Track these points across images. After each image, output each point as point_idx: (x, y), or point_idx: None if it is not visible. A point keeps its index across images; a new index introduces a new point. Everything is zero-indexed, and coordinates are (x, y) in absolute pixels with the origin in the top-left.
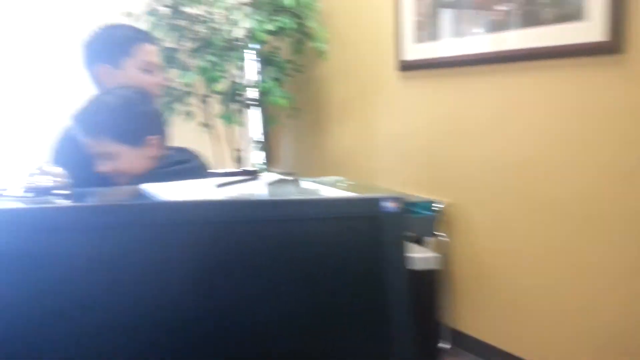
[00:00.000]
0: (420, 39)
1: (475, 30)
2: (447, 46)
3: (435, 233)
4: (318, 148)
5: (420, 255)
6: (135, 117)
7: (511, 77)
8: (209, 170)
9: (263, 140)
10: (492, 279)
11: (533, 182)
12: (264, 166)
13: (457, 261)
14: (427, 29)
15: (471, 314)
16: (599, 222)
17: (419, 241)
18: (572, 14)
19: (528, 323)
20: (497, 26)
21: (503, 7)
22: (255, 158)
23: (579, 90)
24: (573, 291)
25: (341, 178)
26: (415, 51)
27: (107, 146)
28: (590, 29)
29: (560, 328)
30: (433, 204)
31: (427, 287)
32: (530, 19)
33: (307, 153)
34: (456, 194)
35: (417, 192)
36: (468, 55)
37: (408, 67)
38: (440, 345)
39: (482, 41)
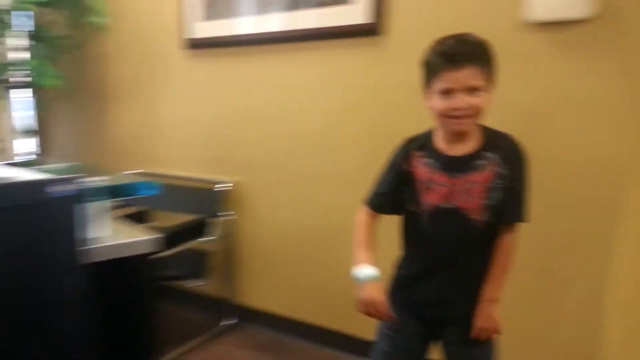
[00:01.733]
0: (209, 16)
1: (258, 10)
2: (236, 25)
3: (223, 213)
4: (98, 133)
5: (132, 240)
6: None
7: (292, 57)
8: None
9: (34, 126)
10: (276, 252)
11: (314, 157)
12: (35, 156)
13: (244, 238)
14: (217, 6)
15: (257, 287)
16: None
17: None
18: None
19: (309, 289)
20: (275, 7)
21: None
22: (23, 147)
23: (348, 70)
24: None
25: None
26: (204, 29)
27: None
28: (355, 12)
29: (339, 292)
30: (218, 185)
31: (144, 273)
32: (304, 1)
33: (87, 139)
34: (245, 173)
35: (207, 175)
36: (254, 35)
37: (196, 45)
38: (225, 322)
39: (266, 21)
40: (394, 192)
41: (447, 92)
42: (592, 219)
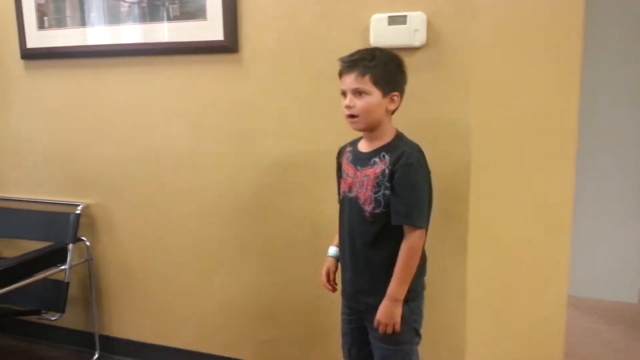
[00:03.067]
0: (45, 24)
1: (106, 19)
2: (76, 35)
3: (78, 238)
4: None
5: None
6: None
7: (147, 71)
8: None
9: None
10: (140, 278)
11: (174, 175)
12: None
13: (104, 264)
14: (53, 14)
15: (122, 316)
16: (233, 211)
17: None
18: (196, 13)
19: (179, 313)
20: (128, 18)
21: (133, 0)
22: None
23: (206, 86)
24: (210, 279)
25: None
26: (40, 38)
27: None
28: (211, 28)
29: (210, 315)
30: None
31: None
32: (159, 14)
33: None
34: (101, 194)
35: (57, 197)
36: (105, 46)
37: (32, 55)
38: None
39: (118, 33)
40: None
41: (343, 94)
42: (448, 230)
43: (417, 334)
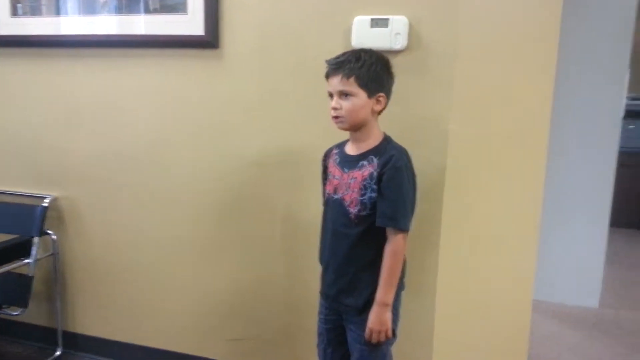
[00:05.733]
0: (18, 12)
1: (82, 9)
2: (50, 24)
3: (44, 231)
4: None
5: None
6: None
7: (122, 63)
8: None
9: None
10: (108, 273)
11: (147, 170)
12: None
13: (70, 259)
14: (28, 2)
15: (88, 312)
16: (206, 208)
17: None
18: (177, 7)
19: (146, 310)
20: (105, 9)
21: None
22: None
23: (185, 81)
24: (181, 276)
25: None
26: (13, 25)
27: None
28: (192, 23)
29: (179, 312)
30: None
31: None
32: (137, 6)
33: None
34: (69, 187)
35: (24, 188)
36: (79, 36)
37: (3, 43)
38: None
39: (94, 23)
40: None
41: (330, 96)
42: (421, 231)
43: (394, 334)
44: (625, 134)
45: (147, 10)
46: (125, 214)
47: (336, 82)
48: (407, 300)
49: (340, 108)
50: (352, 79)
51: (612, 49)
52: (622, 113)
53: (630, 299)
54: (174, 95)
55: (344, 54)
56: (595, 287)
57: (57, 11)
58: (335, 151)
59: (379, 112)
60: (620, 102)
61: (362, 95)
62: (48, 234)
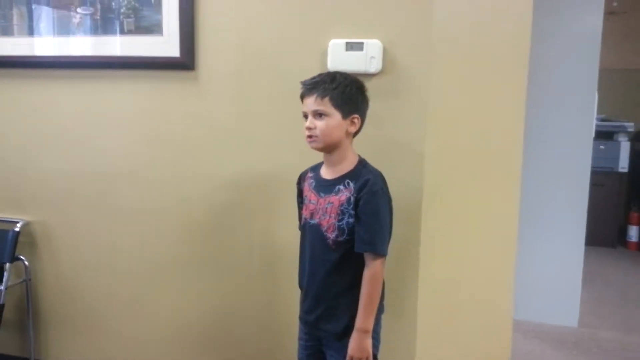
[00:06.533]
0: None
1: (56, 30)
2: (22, 44)
3: (17, 256)
4: None
5: None
6: None
7: (96, 84)
8: None
9: None
10: (85, 300)
11: (124, 192)
12: None
13: (43, 285)
14: (6, 21)
15: (59, 340)
16: (182, 231)
17: None
18: (152, 28)
19: (126, 336)
20: (79, 30)
21: (85, 11)
22: None
23: (160, 102)
24: (158, 301)
25: None
26: None
27: None
28: (168, 44)
29: (160, 337)
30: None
31: None
32: (112, 27)
33: None
34: (40, 211)
35: None
36: (53, 57)
37: None
38: None
39: (62, 43)
40: None
41: (305, 116)
42: (401, 253)
43: (375, 359)
44: (596, 154)
45: (123, 32)
46: (99, 238)
47: (311, 102)
48: (388, 323)
49: (315, 128)
50: (326, 99)
51: (581, 72)
52: (592, 134)
53: (609, 318)
54: (149, 117)
55: (319, 75)
56: (573, 307)
57: (30, 31)
58: (310, 174)
59: (354, 135)
60: (590, 124)
61: (336, 115)
62: (20, 259)
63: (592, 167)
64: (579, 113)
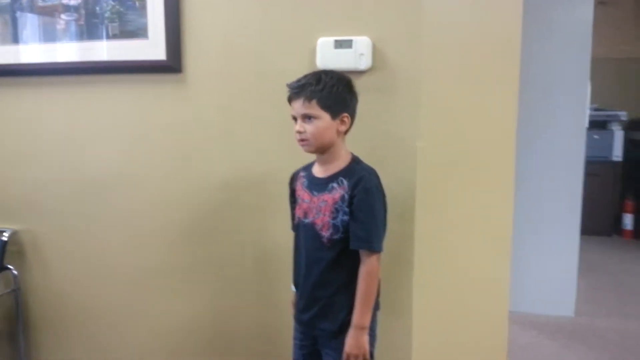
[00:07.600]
0: None
1: (41, 37)
2: (7, 52)
3: (5, 266)
4: None
5: None
6: None
7: (83, 90)
8: None
9: None
10: (74, 307)
11: (112, 199)
12: None
13: (33, 295)
14: None
15: (50, 350)
16: (173, 236)
17: None
18: (138, 32)
19: (116, 342)
20: (64, 36)
21: (69, 17)
22: None
23: (148, 106)
24: (151, 307)
25: None
26: None
27: None
28: (154, 47)
29: (141, 341)
30: None
31: None
32: (97, 32)
33: None
34: (28, 219)
35: None
36: (37, 65)
37: None
38: None
39: (47, 50)
40: None
41: (294, 119)
42: (395, 249)
43: (372, 356)
44: (591, 144)
45: (108, 36)
46: (89, 245)
47: (298, 106)
48: (384, 320)
49: (305, 131)
50: (313, 102)
51: (573, 62)
52: (586, 124)
53: (605, 306)
54: (137, 121)
55: (304, 76)
56: (570, 296)
57: (15, 39)
58: (302, 174)
59: (345, 132)
60: (583, 113)
61: (325, 117)
62: (8, 269)
63: (587, 156)
64: (572, 103)
